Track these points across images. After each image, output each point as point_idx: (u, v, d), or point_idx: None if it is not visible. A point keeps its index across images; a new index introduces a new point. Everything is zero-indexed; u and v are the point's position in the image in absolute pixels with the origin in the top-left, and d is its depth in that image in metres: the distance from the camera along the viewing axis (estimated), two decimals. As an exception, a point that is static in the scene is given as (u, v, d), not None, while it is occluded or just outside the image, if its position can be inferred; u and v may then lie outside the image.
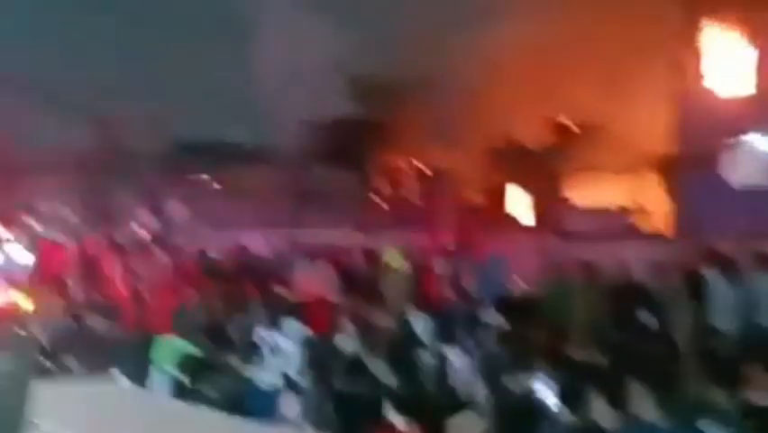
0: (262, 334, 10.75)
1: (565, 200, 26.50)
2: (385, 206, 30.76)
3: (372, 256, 18.62)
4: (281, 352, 9.70)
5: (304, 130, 30.11)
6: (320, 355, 8.21)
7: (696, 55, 22.52)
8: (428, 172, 29.37)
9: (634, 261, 15.25)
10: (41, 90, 30.01)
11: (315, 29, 25.36)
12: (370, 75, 29.57)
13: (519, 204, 27.93)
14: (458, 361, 7.57)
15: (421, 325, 12.60)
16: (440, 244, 18.13)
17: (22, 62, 30.41)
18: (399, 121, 29.65)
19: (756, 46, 21.26)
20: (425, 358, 8.55)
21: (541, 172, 26.87)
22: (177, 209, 28.77)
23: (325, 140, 31.04)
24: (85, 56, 31.73)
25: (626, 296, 13.29)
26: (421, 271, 16.55)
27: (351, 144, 30.56)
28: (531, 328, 13.44)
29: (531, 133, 27.95)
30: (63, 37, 32.24)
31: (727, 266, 12.62)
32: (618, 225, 23.34)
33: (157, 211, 27.88)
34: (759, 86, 21.17)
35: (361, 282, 17.33)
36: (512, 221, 27.15)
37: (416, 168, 30.43)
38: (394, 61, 27.15)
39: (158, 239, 22.16)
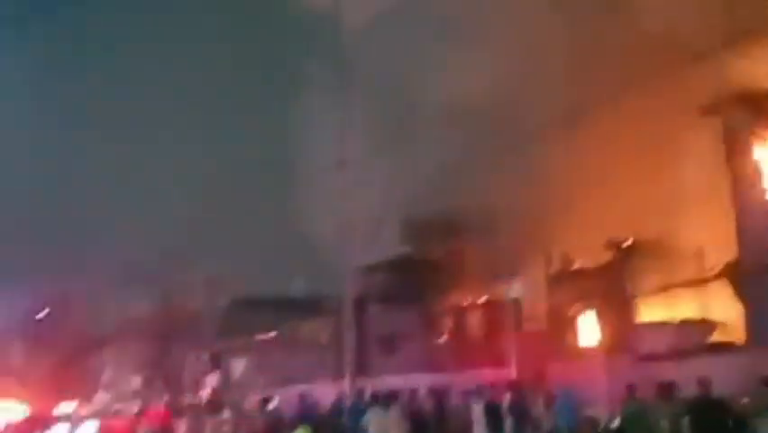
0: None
1: (635, 320, 25.87)
2: (451, 344, 30.36)
3: (442, 397, 18.27)
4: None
5: (363, 276, 30.23)
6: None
7: (753, 163, 22.36)
8: (492, 306, 29.05)
9: (712, 375, 14.66)
10: (104, 261, 30.72)
11: (368, 176, 25.83)
12: (426, 215, 29.81)
13: (589, 328, 27.34)
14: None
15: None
16: (510, 378, 17.72)
17: (85, 232, 31.31)
18: (459, 257, 29.62)
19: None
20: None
21: (608, 294, 26.38)
22: (241, 367, 28.78)
23: (385, 284, 31.06)
24: (144, 222, 32.56)
25: (709, 413, 12.71)
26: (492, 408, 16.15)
27: (411, 286, 30.50)
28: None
29: (595, 256, 27.65)
30: (119, 203, 33.24)
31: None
32: (692, 339, 22.63)
33: (222, 370, 27.91)
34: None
35: (432, 425, 16.96)
36: (583, 346, 26.53)
37: (479, 302, 30.15)
38: (450, 199, 27.37)
39: (223, 399, 22.09)
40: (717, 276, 23.86)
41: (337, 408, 19.89)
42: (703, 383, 13.12)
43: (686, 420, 12.93)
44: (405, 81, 29.17)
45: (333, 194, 22.66)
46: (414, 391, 18.07)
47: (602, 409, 16.04)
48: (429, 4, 27.03)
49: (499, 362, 19.75)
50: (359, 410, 18.15)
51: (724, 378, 15.29)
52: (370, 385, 21.14)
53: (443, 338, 31.42)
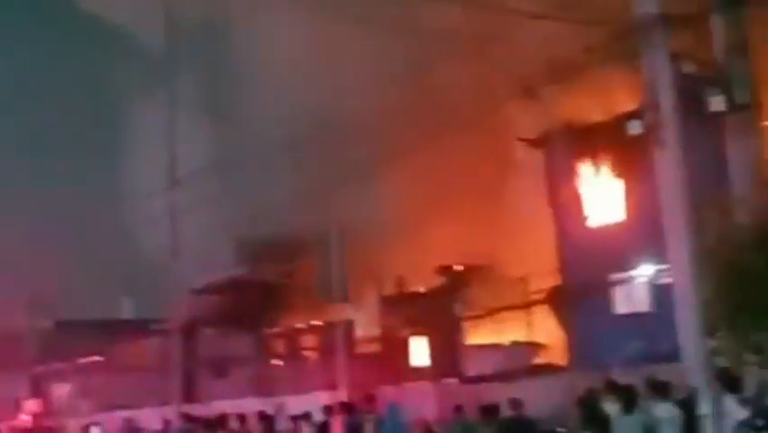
0: None
1: (465, 343, 26.56)
2: (284, 367, 30.20)
3: (270, 420, 18.13)
4: None
5: (195, 298, 29.63)
6: None
7: (574, 193, 23.35)
8: (325, 329, 29.09)
9: (533, 397, 15.20)
10: None
11: (202, 196, 25.40)
12: (259, 237, 29.52)
13: (420, 350, 27.85)
14: None
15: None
16: (341, 400, 17.77)
17: None
18: (294, 280, 29.52)
19: (628, 182, 22.10)
20: None
21: (437, 317, 26.96)
22: (64, 392, 27.58)
23: (218, 306, 30.55)
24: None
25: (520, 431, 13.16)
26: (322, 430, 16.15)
27: (244, 308, 30.14)
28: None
29: (424, 281, 28.20)
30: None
31: (624, 394, 12.62)
32: (516, 362, 23.43)
33: (43, 395, 26.64)
34: (637, 217, 21.88)
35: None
36: (412, 368, 26.99)
37: (312, 325, 30.14)
38: (282, 222, 27.21)
39: (44, 425, 21.13)
40: (541, 301, 24.84)
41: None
42: (515, 404, 13.61)
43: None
44: (241, 102, 28.99)
45: (164, 214, 22.10)
46: (243, 416, 17.81)
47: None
48: (260, 27, 27.05)
49: (332, 384, 19.78)
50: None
51: (546, 399, 15.92)
52: (199, 410, 20.69)
53: (276, 362, 31.20)
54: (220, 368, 29.81)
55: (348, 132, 25.15)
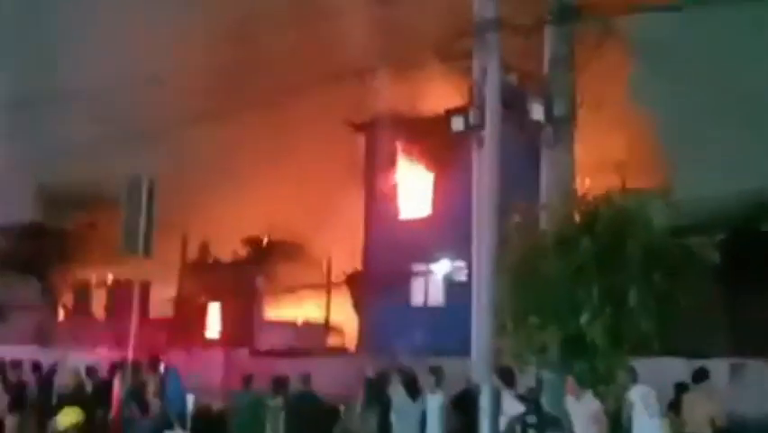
0: None
1: (261, 316, 26.55)
2: (70, 320, 29.12)
3: (50, 372, 17.44)
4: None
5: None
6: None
7: (391, 182, 23.74)
8: (118, 285, 28.26)
9: (321, 374, 15.38)
10: None
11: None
12: (63, 184, 28.23)
13: (214, 318, 27.61)
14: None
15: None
16: (125, 359, 17.26)
17: None
18: (92, 230, 28.49)
19: (440, 178, 22.68)
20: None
21: (236, 287, 26.81)
22: None
23: (6, 249, 29.10)
24: None
25: (305, 406, 13.33)
26: (104, 387, 15.66)
27: (32, 254, 28.84)
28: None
29: (228, 249, 27.92)
30: None
31: (410, 382, 12.97)
32: (307, 340, 23.71)
33: None
34: (443, 214, 22.52)
35: (35, 400, 16.11)
36: (205, 335, 26.74)
37: (104, 280, 29.23)
38: (87, 171, 26.09)
39: None
40: (340, 284, 25.21)
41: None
42: (304, 379, 13.75)
43: (284, 412, 13.48)
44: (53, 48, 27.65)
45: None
46: (18, 363, 16.98)
47: (216, 398, 16.21)
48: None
49: (119, 343, 19.21)
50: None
51: (334, 378, 16.16)
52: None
53: (62, 313, 30.06)
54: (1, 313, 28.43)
55: (166, 88, 24.46)
